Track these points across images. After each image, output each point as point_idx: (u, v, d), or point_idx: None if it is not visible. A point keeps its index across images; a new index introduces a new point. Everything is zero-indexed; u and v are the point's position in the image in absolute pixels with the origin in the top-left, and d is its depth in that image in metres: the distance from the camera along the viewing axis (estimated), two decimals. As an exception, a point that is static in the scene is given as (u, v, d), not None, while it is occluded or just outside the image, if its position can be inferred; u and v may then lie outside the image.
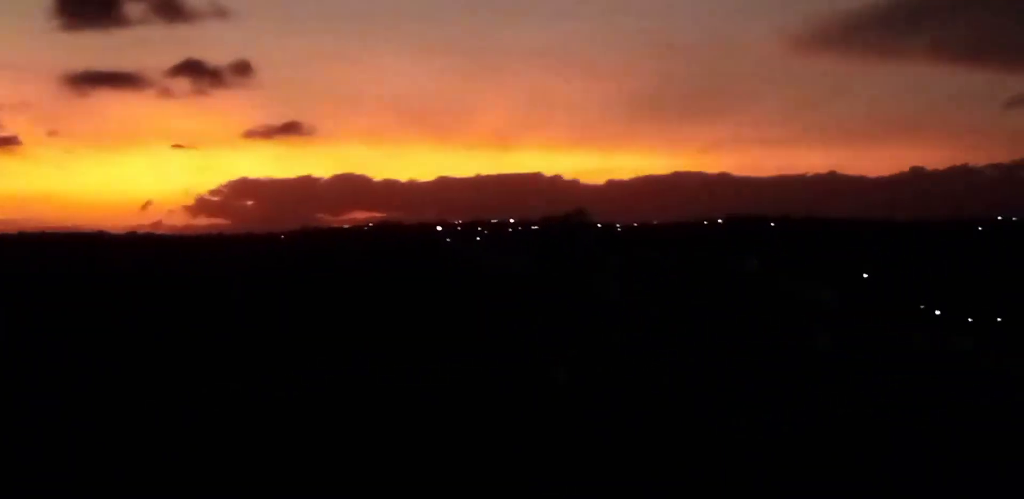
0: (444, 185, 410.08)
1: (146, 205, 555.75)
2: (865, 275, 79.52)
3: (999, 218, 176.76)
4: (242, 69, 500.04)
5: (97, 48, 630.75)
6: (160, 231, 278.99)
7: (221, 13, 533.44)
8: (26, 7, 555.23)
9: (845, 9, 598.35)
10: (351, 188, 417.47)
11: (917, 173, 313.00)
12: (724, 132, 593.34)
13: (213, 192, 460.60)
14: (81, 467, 9.47)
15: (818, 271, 46.27)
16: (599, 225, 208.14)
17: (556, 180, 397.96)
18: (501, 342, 19.79)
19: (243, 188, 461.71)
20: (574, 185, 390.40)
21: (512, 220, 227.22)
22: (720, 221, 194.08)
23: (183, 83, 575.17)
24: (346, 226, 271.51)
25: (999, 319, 66.07)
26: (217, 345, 19.04)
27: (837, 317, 24.65)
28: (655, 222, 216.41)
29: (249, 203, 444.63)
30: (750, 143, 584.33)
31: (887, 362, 17.35)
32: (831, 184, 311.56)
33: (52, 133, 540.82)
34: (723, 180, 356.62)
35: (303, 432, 10.33)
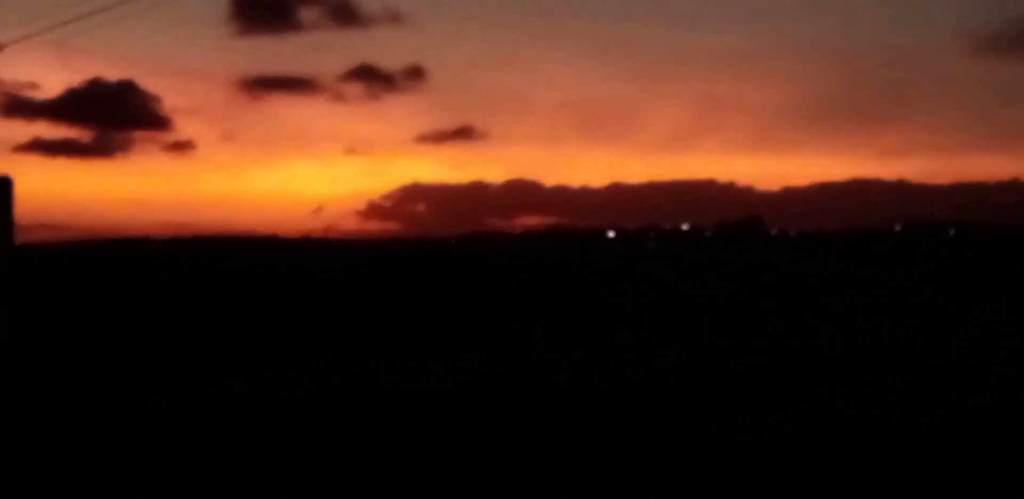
0: (616, 191, 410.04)
1: (318, 209, 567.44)
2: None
3: None
4: (415, 74, 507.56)
5: (272, 53, 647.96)
6: (332, 235, 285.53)
7: (395, 18, 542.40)
8: (203, 14, 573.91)
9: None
10: (522, 193, 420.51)
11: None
12: (903, 138, 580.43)
13: (385, 197, 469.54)
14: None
15: (998, 283, 45.65)
16: (774, 232, 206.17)
17: (730, 186, 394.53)
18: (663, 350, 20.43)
19: (415, 193, 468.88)
20: (748, 191, 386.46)
21: (685, 226, 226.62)
22: (897, 229, 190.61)
23: (356, 88, 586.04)
24: (517, 231, 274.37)
25: None
26: (381, 347, 20.12)
27: (1015, 330, 24.38)
28: (831, 229, 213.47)
29: (420, 208, 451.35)
30: (929, 149, 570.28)
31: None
32: (1014, 191, 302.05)
33: (227, 137, 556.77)
34: (901, 187, 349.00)
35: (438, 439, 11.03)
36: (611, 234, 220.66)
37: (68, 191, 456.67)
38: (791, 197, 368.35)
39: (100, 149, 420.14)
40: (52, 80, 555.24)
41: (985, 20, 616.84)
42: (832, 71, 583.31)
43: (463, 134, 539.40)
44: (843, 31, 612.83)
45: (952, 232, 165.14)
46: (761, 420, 14.93)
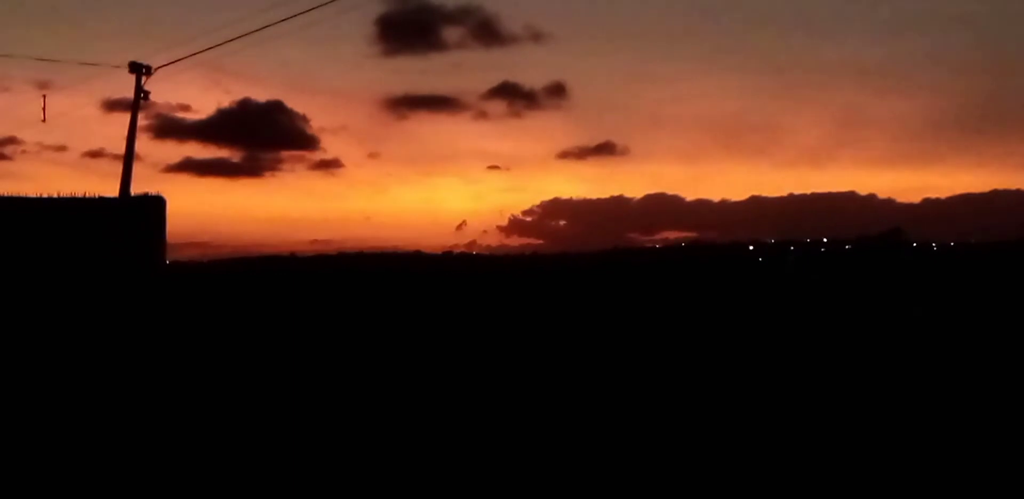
0: (756, 204, 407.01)
1: (461, 225, 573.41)
2: None
3: None
4: (556, 91, 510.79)
5: (416, 72, 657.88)
6: (475, 250, 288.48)
7: (536, 37, 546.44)
8: (348, 35, 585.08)
9: None
10: (663, 208, 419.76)
11: None
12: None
13: (526, 212, 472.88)
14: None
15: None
16: (915, 244, 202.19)
17: (870, 199, 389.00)
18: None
19: (556, 208, 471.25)
20: (889, 204, 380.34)
21: (825, 239, 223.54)
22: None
23: (498, 105, 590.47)
24: (658, 245, 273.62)
25: None
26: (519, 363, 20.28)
27: None
28: (973, 241, 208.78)
29: (562, 223, 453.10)
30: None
31: None
32: None
33: (372, 155, 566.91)
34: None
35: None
36: (751, 248, 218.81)
37: (217, 210, 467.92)
38: (932, 209, 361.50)
39: (249, 168, 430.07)
40: (203, 101, 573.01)
41: None
42: (972, 82, 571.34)
43: (604, 150, 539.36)
44: (982, 42, 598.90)
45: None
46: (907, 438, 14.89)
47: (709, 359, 24.19)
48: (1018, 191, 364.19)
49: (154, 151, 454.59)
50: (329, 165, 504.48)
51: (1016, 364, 22.53)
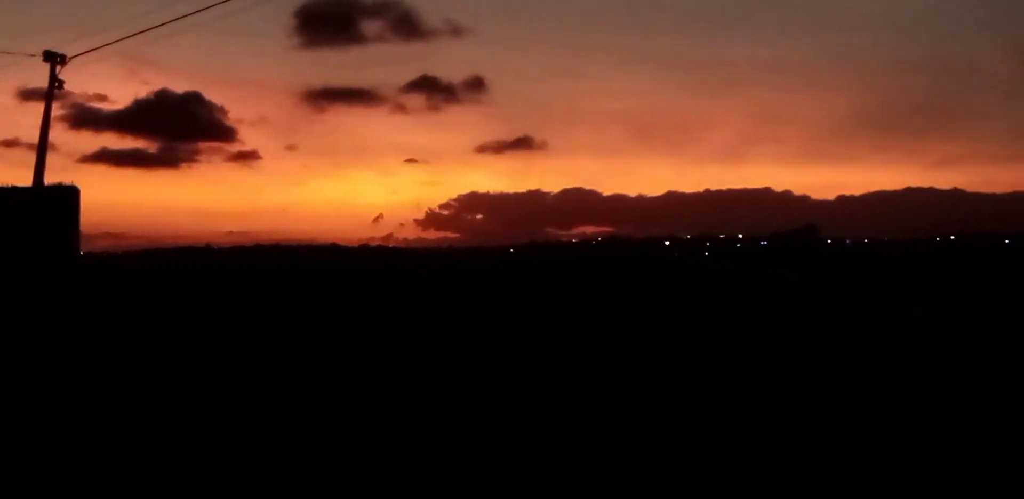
0: (673, 200, 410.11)
1: (378, 218, 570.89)
2: None
3: None
4: (475, 85, 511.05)
5: (335, 65, 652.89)
6: (391, 243, 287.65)
7: (456, 31, 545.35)
8: (267, 26, 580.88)
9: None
10: (580, 203, 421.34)
11: None
12: (957, 148, 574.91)
13: (443, 206, 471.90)
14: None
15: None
16: (829, 241, 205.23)
17: (786, 195, 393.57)
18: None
19: (473, 202, 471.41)
20: (804, 200, 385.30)
21: (741, 235, 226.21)
22: (952, 238, 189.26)
23: (417, 99, 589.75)
24: (574, 240, 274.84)
25: None
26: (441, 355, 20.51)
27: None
28: (886, 238, 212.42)
29: (479, 217, 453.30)
30: (984, 159, 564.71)
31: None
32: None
33: (290, 147, 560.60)
34: (956, 196, 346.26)
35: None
36: (667, 243, 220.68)
37: (133, 201, 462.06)
38: (847, 206, 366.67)
39: (165, 159, 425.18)
40: (120, 91, 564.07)
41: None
42: (886, 81, 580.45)
43: (522, 144, 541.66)
44: (897, 41, 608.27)
45: (1007, 241, 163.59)
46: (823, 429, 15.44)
47: (620, 352, 24.67)
48: (931, 189, 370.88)
49: (70, 141, 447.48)
50: (247, 157, 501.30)
51: (923, 355, 23.28)
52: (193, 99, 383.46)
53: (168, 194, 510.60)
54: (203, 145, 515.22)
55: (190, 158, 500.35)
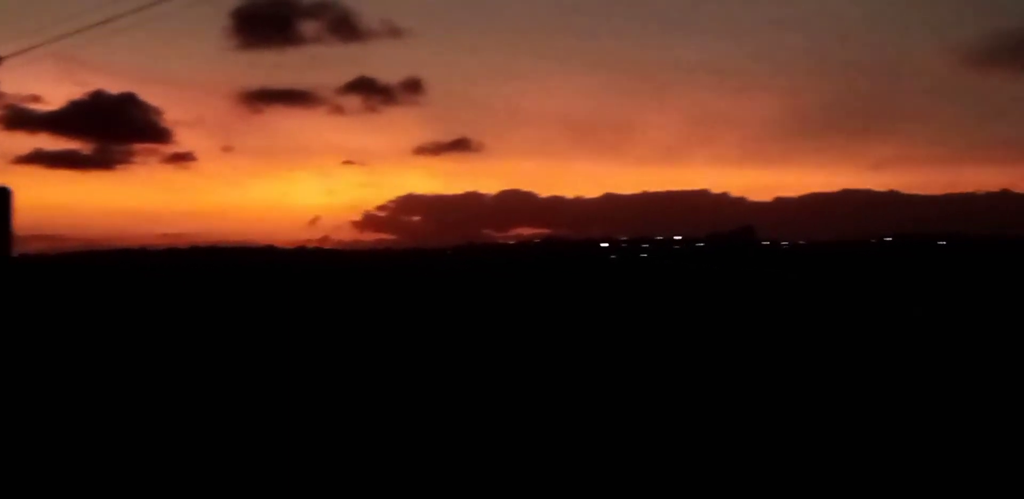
0: (610, 201, 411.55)
1: (315, 220, 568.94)
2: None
3: None
4: (413, 87, 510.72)
5: (272, 66, 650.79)
6: (328, 245, 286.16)
7: (393, 32, 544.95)
8: (204, 27, 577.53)
9: (1016, 26, 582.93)
10: (517, 204, 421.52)
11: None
12: (893, 149, 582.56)
13: (380, 207, 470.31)
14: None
15: (988, 290, 46.14)
16: (766, 242, 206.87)
17: (723, 197, 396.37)
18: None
19: (410, 203, 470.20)
20: (741, 202, 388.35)
21: (678, 237, 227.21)
22: (888, 239, 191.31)
23: (355, 100, 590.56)
24: (512, 242, 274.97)
25: None
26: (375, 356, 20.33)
27: (1008, 337, 24.86)
28: (823, 240, 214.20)
29: (416, 218, 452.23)
30: (919, 160, 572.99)
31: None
32: (1003, 202, 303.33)
33: (226, 149, 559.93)
34: (892, 198, 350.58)
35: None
36: (604, 244, 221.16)
37: (68, 202, 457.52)
38: (783, 208, 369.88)
39: (101, 161, 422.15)
40: (54, 92, 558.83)
41: (974, 33, 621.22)
42: (824, 84, 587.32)
43: (459, 146, 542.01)
44: (834, 45, 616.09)
45: (942, 242, 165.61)
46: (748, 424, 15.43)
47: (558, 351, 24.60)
48: (867, 191, 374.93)
49: (3, 142, 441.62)
50: (183, 158, 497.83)
51: (855, 355, 23.41)
52: (128, 100, 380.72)
53: (103, 196, 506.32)
54: (138, 146, 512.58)
55: (125, 159, 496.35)
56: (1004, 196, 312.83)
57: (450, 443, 13.58)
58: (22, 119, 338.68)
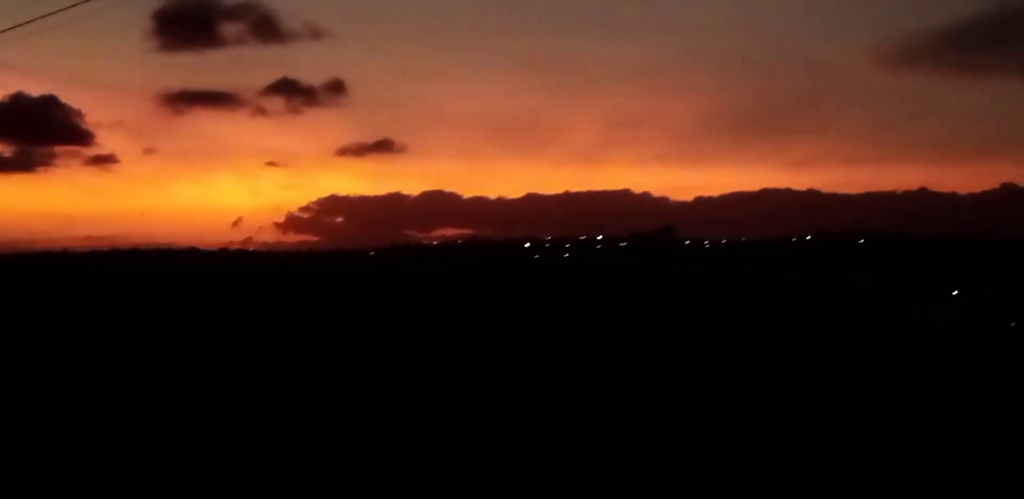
0: (533, 202, 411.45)
1: (237, 222, 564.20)
2: (955, 292, 79.32)
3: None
4: (336, 88, 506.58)
5: (193, 68, 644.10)
6: (251, 247, 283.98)
7: (316, 34, 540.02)
8: (125, 29, 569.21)
9: (934, 26, 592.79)
10: (440, 205, 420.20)
11: (1008, 189, 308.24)
12: (813, 149, 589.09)
13: (303, 209, 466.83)
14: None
15: (907, 288, 46.78)
16: (688, 242, 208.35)
17: (645, 197, 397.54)
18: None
19: (333, 205, 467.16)
20: (663, 202, 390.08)
21: (600, 237, 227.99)
22: (808, 238, 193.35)
23: (277, 102, 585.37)
24: (435, 243, 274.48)
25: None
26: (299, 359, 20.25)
27: (926, 335, 25.31)
28: (743, 239, 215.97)
29: (339, 220, 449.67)
30: (839, 160, 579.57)
31: (977, 381, 18.23)
32: (921, 201, 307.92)
33: (148, 151, 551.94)
34: (812, 197, 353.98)
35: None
36: (527, 245, 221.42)
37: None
38: (704, 207, 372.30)
39: (21, 163, 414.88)
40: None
41: (894, 33, 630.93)
42: (743, 83, 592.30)
43: (382, 147, 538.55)
44: (754, 44, 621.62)
45: (861, 241, 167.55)
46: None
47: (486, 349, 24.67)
48: (788, 190, 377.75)
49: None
50: (104, 160, 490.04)
51: (781, 352, 23.71)
52: (49, 102, 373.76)
53: (24, 199, 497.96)
54: (60, 149, 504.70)
55: (47, 162, 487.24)
56: (923, 195, 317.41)
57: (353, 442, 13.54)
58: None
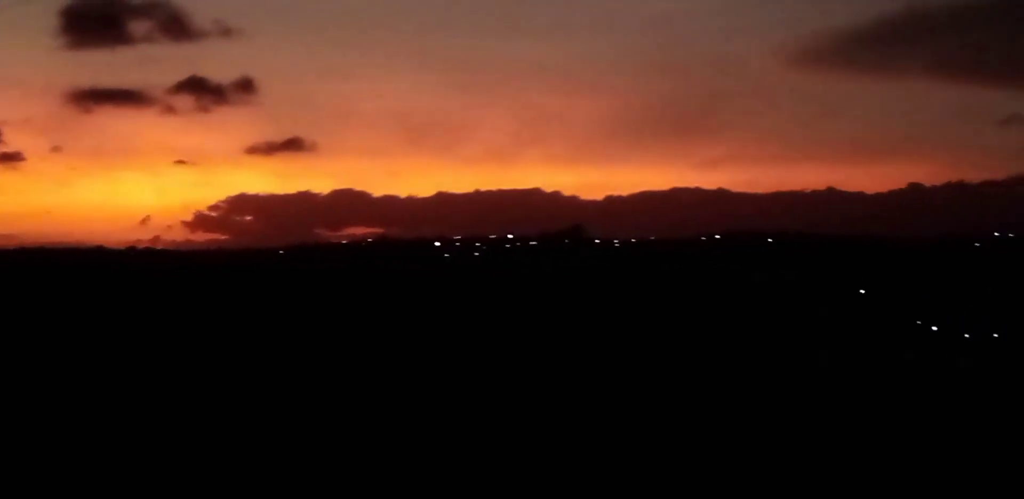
0: (443, 200, 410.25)
1: (145, 220, 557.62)
2: (862, 291, 79.93)
3: (996, 234, 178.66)
4: (245, 86, 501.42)
5: (101, 65, 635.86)
6: (159, 246, 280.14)
7: (225, 32, 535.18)
8: (32, 25, 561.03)
9: (842, 26, 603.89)
10: (350, 203, 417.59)
11: (915, 189, 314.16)
12: (722, 148, 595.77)
13: (212, 207, 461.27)
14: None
15: (815, 287, 46.69)
16: (597, 241, 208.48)
17: (555, 196, 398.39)
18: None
19: (242, 203, 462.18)
20: (573, 201, 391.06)
21: (511, 236, 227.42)
22: (718, 237, 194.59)
23: (186, 100, 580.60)
24: (344, 242, 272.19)
25: (996, 336, 66.62)
26: (214, 360, 19.12)
27: (833, 333, 24.93)
28: (653, 238, 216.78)
29: (248, 218, 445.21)
30: (748, 159, 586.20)
31: (883, 378, 17.83)
32: (829, 200, 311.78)
33: (55, 149, 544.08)
34: (721, 196, 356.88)
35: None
36: (437, 244, 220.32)
37: None
38: (614, 206, 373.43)
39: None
40: None
41: (802, 33, 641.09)
42: (653, 84, 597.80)
43: (292, 145, 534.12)
44: (664, 44, 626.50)
45: (770, 240, 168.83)
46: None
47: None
48: (697, 189, 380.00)
49: None
50: (10, 158, 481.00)
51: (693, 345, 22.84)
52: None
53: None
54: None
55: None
56: (830, 194, 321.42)
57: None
58: None
